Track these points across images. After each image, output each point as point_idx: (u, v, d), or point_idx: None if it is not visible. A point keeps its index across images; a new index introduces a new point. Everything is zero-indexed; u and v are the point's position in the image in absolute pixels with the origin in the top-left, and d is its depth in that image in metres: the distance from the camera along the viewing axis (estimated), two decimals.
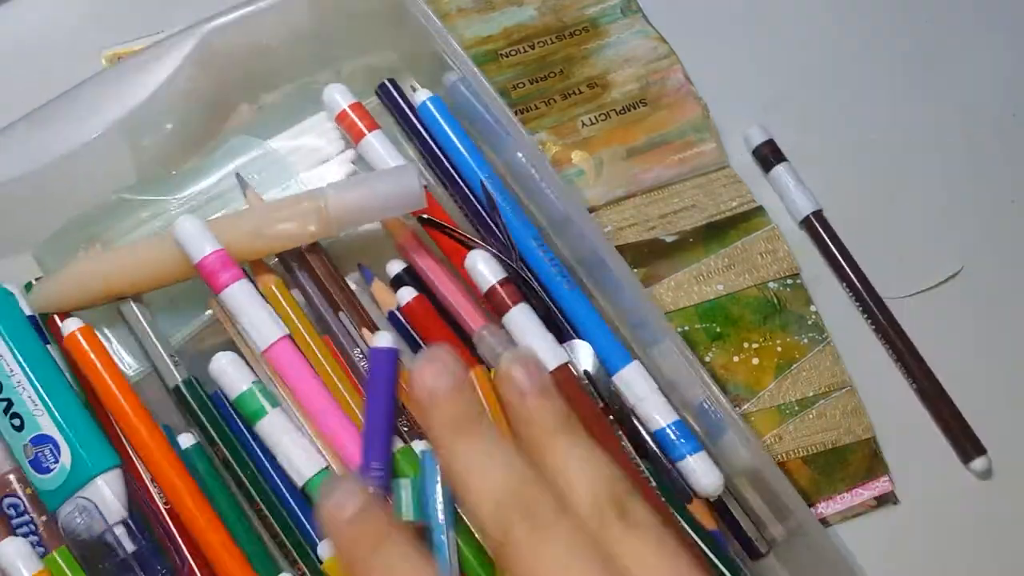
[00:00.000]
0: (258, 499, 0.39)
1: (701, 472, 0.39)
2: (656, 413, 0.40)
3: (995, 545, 0.44)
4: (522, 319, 0.40)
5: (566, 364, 0.39)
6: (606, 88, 0.50)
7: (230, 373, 0.38)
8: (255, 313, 0.38)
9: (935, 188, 0.51)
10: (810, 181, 0.49)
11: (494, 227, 0.42)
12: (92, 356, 0.38)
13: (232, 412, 0.39)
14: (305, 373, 0.38)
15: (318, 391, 0.38)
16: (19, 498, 0.38)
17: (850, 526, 0.44)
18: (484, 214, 0.42)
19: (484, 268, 0.40)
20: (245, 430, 0.39)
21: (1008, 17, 0.55)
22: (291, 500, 0.38)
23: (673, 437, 0.39)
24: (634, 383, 0.40)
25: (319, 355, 0.39)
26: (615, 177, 0.48)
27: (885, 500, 0.44)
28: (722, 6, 0.54)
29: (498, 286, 0.40)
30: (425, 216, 0.41)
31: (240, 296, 0.38)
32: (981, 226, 0.50)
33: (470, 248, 0.41)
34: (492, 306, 0.40)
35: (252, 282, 0.39)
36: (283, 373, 0.38)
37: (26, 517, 0.37)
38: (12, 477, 0.38)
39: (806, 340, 0.46)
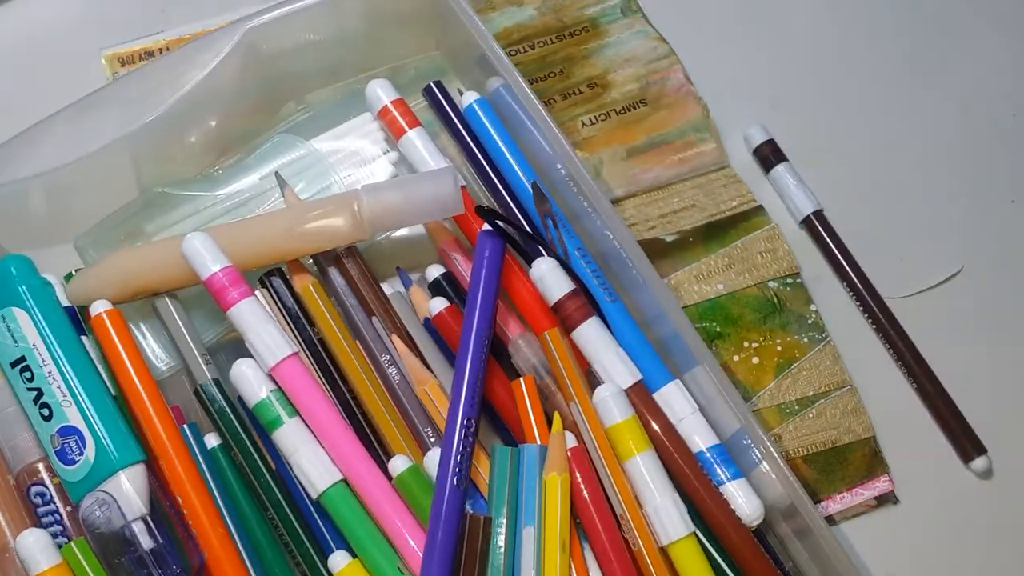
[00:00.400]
0: (270, 507, 0.39)
1: (742, 499, 0.38)
2: (696, 435, 0.39)
3: (995, 545, 0.44)
4: (593, 333, 0.39)
5: (639, 382, 0.39)
6: (606, 88, 0.50)
7: (249, 380, 0.38)
8: (263, 330, 0.37)
9: (935, 188, 0.51)
10: (810, 181, 0.49)
11: (538, 235, 0.41)
12: (115, 339, 0.38)
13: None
14: (313, 392, 0.38)
15: (325, 410, 0.38)
16: (46, 487, 0.38)
17: (850, 526, 0.44)
18: (527, 221, 0.42)
19: (552, 278, 0.39)
20: (264, 437, 0.39)
21: (1008, 17, 0.55)
22: (304, 510, 0.38)
23: (713, 461, 0.38)
24: (674, 402, 0.39)
25: (352, 359, 0.40)
26: (615, 177, 0.48)
27: (885, 500, 0.44)
28: (722, 6, 0.54)
29: (568, 298, 0.39)
30: (485, 208, 0.40)
31: (247, 314, 0.38)
32: (981, 226, 0.50)
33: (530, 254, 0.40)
34: (560, 318, 0.40)
35: (260, 298, 0.39)
36: (290, 391, 0.38)
37: (52, 506, 0.37)
38: (41, 466, 0.38)
39: (806, 339, 0.46)
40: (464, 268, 0.42)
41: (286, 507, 0.38)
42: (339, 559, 0.37)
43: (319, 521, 0.38)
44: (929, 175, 0.51)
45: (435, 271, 0.42)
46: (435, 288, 0.42)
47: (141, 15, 0.50)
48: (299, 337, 0.40)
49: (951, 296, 0.48)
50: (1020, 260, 0.49)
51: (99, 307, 0.39)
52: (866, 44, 0.54)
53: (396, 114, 0.43)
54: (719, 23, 0.53)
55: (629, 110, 0.50)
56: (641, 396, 0.39)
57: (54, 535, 0.36)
